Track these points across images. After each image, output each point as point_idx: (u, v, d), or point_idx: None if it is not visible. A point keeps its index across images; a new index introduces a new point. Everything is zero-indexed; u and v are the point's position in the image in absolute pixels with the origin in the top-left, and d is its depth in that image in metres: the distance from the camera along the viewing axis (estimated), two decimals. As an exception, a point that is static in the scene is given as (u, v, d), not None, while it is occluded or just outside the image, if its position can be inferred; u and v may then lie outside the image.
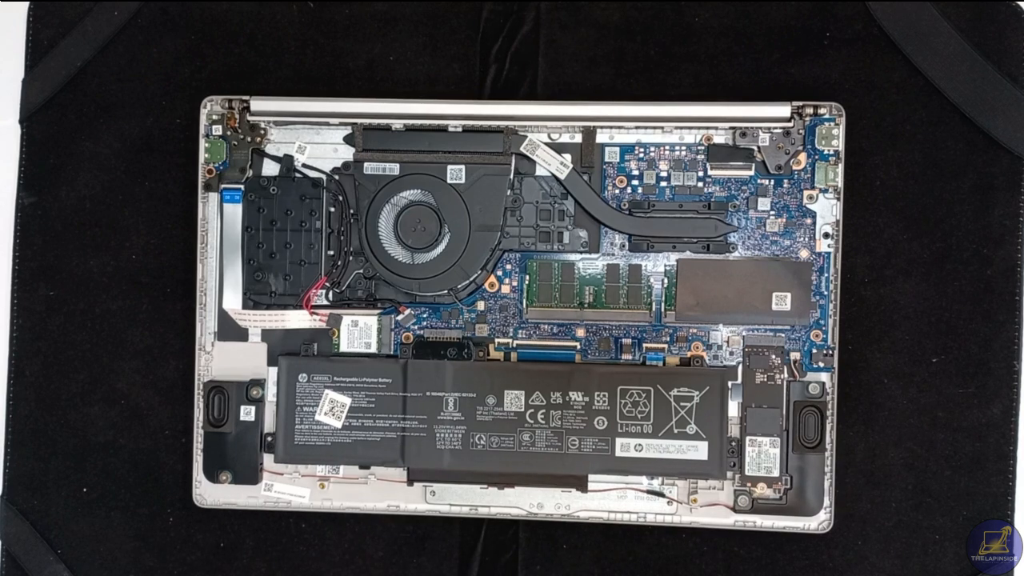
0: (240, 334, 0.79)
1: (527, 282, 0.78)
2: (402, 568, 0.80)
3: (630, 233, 0.76)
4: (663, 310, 0.77)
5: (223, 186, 0.78)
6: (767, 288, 0.75)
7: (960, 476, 0.77)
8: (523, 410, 0.75)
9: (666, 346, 0.77)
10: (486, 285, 0.78)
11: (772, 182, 0.76)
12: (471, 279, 0.77)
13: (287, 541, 0.81)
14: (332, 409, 0.76)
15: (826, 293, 0.76)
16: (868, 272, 0.77)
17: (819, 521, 0.75)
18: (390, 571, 0.80)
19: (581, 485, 0.76)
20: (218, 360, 0.79)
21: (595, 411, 0.75)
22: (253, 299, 0.78)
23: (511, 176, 0.77)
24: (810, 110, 0.75)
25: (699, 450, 0.74)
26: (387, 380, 0.76)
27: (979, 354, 0.77)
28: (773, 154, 0.75)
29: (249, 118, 0.78)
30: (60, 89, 0.82)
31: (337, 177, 0.78)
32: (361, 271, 0.78)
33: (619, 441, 0.75)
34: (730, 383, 0.75)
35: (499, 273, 0.78)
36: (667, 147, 0.77)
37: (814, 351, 0.76)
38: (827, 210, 0.76)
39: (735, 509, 0.76)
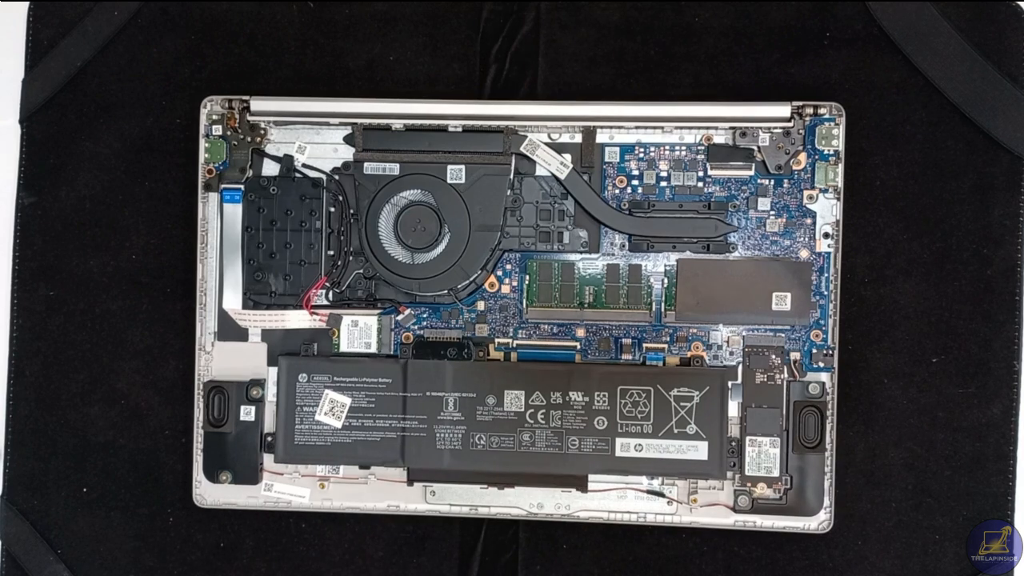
0: (240, 334, 0.79)
1: (527, 282, 0.78)
2: (402, 568, 0.80)
3: (630, 233, 0.76)
4: (663, 310, 0.77)
5: (223, 186, 0.78)
6: (767, 288, 0.75)
7: (960, 476, 0.77)
8: (523, 410, 0.75)
9: (666, 346, 0.77)
10: (486, 285, 0.78)
11: (772, 182, 0.76)
12: (471, 279, 0.77)
13: (287, 541, 0.81)
14: (332, 409, 0.76)
15: (826, 293, 0.76)
16: (868, 272, 0.77)
17: (819, 521, 0.75)
18: (390, 571, 0.80)
19: (581, 485, 0.76)
20: (218, 360, 0.79)
21: (595, 411, 0.75)
22: (253, 299, 0.78)
23: (511, 176, 0.77)
24: (810, 110, 0.75)
25: (699, 450, 0.74)
26: (387, 380, 0.76)
27: (979, 354, 0.77)
28: (773, 154, 0.75)
29: (249, 118, 0.78)
30: (60, 89, 0.82)
31: (337, 177, 0.78)
32: (361, 271, 0.78)
33: (619, 441, 0.75)
34: (730, 383, 0.75)
35: (499, 273, 0.78)
36: (667, 147, 0.77)
37: (814, 351, 0.76)
38: (827, 210, 0.76)
39: (735, 509, 0.76)
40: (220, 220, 0.78)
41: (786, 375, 0.76)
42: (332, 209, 0.78)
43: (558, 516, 0.77)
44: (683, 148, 0.77)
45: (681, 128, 0.76)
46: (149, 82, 0.82)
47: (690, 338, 0.77)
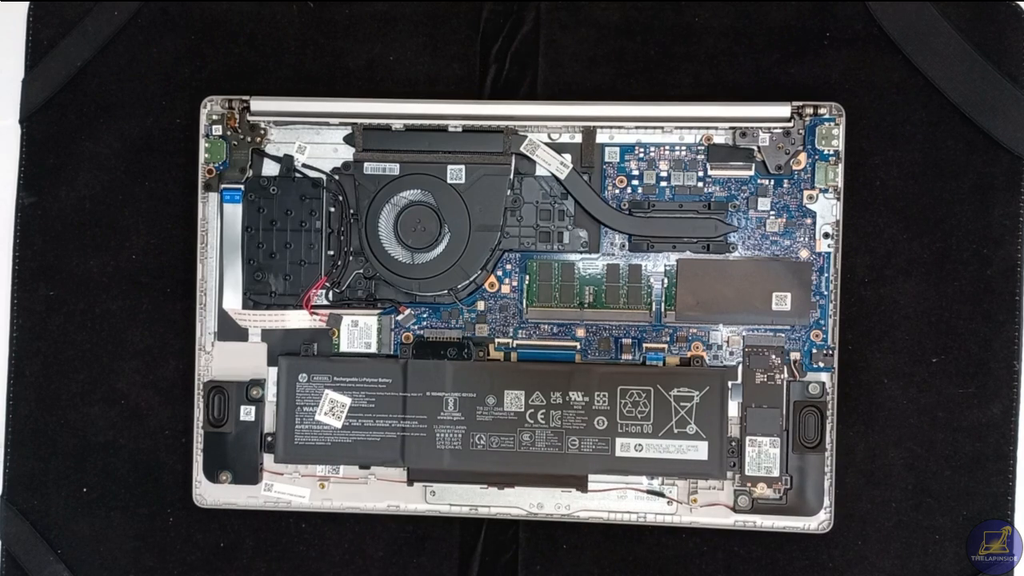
0: (240, 334, 0.79)
1: (527, 282, 0.78)
2: (402, 568, 0.80)
3: (630, 233, 0.76)
4: (663, 310, 0.77)
5: (223, 186, 0.78)
6: (767, 288, 0.75)
7: (960, 476, 0.77)
8: (523, 410, 0.75)
9: (666, 346, 0.77)
10: (486, 285, 0.78)
11: (772, 182, 0.76)
12: (471, 279, 0.77)
13: (287, 541, 0.81)
14: (332, 409, 0.76)
15: (826, 293, 0.76)
16: (868, 272, 0.77)
17: (819, 521, 0.75)
18: (390, 571, 0.80)
19: (581, 485, 0.76)
20: (218, 360, 0.79)
21: (595, 411, 0.75)
22: (253, 299, 0.78)
23: (511, 176, 0.77)
24: (810, 110, 0.75)
25: (699, 450, 0.74)
26: (387, 380, 0.76)
27: (979, 354, 0.77)
28: (773, 154, 0.75)
29: (249, 118, 0.78)
30: (60, 89, 0.82)
31: (337, 177, 0.78)
32: (361, 271, 0.78)
33: (619, 441, 0.75)
34: (730, 383, 0.75)
35: (499, 273, 0.78)
36: (667, 147, 0.77)
37: (814, 351, 0.76)
38: (827, 210, 0.76)
39: (735, 509, 0.76)
40: (220, 220, 0.78)
41: (786, 375, 0.76)
42: (332, 209, 0.78)
43: (558, 516, 0.77)
44: (683, 148, 0.77)
45: (681, 128, 0.76)
46: (149, 82, 0.82)
47: (690, 338, 0.77)
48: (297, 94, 0.79)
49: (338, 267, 0.78)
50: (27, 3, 0.82)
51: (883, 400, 0.77)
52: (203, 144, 0.78)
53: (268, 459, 0.78)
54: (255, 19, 0.81)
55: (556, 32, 0.80)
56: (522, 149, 0.76)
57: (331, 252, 0.78)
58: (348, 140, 0.78)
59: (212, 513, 0.80)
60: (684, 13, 0.79)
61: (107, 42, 0.82)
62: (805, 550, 0.78)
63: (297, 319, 0.77)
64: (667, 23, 0.79)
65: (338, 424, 0.76)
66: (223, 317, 0.78)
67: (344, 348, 0.78)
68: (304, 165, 0.78)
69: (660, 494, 0.76)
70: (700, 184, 0.76)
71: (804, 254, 0.76)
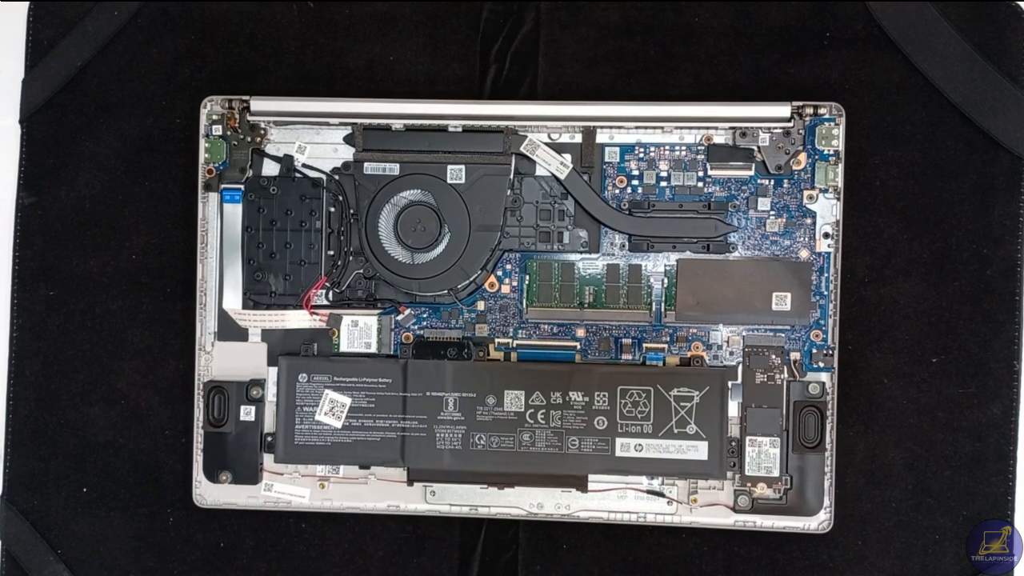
0: (240, 334, 0.79)
1: (527, 282, 0.78)
2: (402, 568, 0.80)
3: (630, 233, 0.76)
4: (663, 310, 0.77)
5: (223, 186, 0.78)
6: (767, 288, 0.75)
7: (960, 476, 0.77)
8: (523, 410, 0.75)
9: (666, 346, 0.77)
10: (486, 285, 0.78)
11: (772, 182, 0.76)
12: (471, 279, 0.77)
13: (287, 541, 0.81)
14: (332, 409, 0.76)
15: (826, 293, 0.76)
16: (868, 272, 0.77)
17: (819, 521, 0.75)
18: (390, 571, 0.80)
19: (581, 485, 0.76)
20: (218, 360, 0.79)
21: (595, 411, 0.75)
22: (253, 299, 0.78)
23: (511, 176, 0.77)
24: (810, 110, 0.75)
25: (699, 450, 0.74)
26: (387, 380, 0.76)
27: (979, 354, 0.77)
28: (773, 154, 0.75)
29: (249, 118, 0.78)
30: (60, 89, 0.82)
31: (337, 177, 0.78)
32: (361, 271, 0.78)
33: (619, 441, 0.75)
34: (730, 383, 0.75)
35: (499, 273, 0.78)
36: (667, 147, 0.77)
37: (814, 351, 0.76)
38: (827, 210, 0.76)
39: (735, 509, 0.76)
40: (220, 220, 0.78)
41: (786, 375, 0.76)
42: (332, 209, 0.78)
43: (558, 516, 0.77)
44: (683, 148, 0.77)
45: (681, 128, 0.76)
46: (149, 82, 0.82)
47: (690, 338, 0.77)
48: (297, 94, 0.79)
49: (338, 267, 0.78)
50: (27, 3, 0.82)
51: (883, 400, 0.77)
52: (203, 144, 0.78)
53: (268, 459, 0.78)
54: (255, 19, 0.81)
55: (556, 32, 0.80)
56: (522, 149, 0.76)
57: (331, 252, 0.78)
58: (348, 140, 0.78)
59: (212, 513, 0.80)
60: (684, 13, 0.79)
61: (107, 42, 0.82)
62: (805, 550, 0.78)
63: (297, 319, 0.77)
64: (667, 23, 0.79)
65: (338, 424, 0.76)
66: (223, 317, 0.78)
67: (344, 348, 0.78)
68: (304, 165, 0.78)
69: (660, 494, 0.76)
70: (700, 184, 0.76)
71: (804, 254, 0.76)
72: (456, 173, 0.77)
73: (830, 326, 0.76)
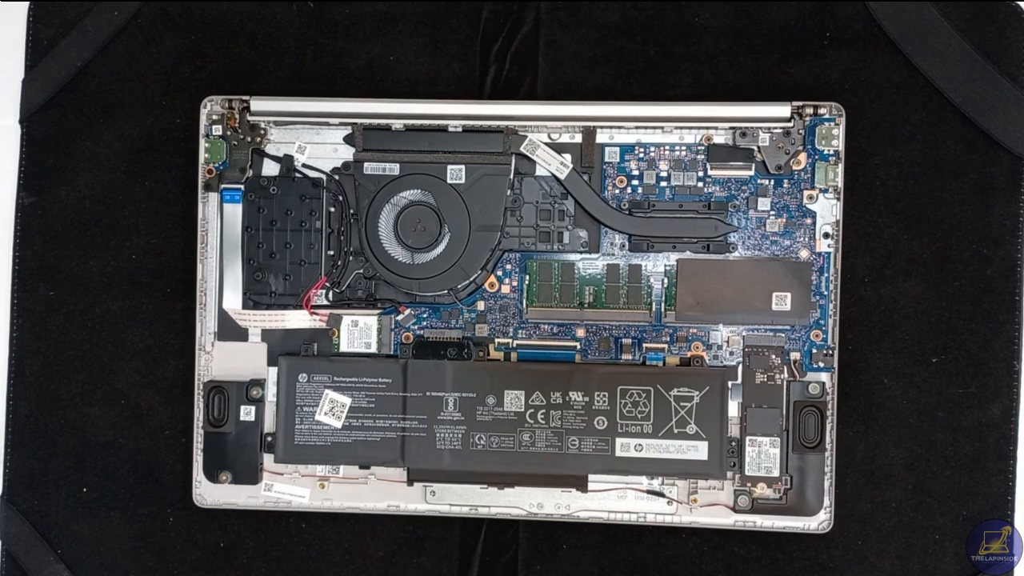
0: (240, 334, 0.79)
1: (527, 282, 0.78)
2: (402, 568, 0.80)
3: (630, 233, 0.76)
4: (663, 310, 0.77)
5: (223, 186, 0.78)
6: (767, 288, 0.75)
7: (960, 476, 0.77)
8: (523, 410, 0.75)
9: (666, 346, 0.77)
10: (486, 285, 0.78)
11: (772, 182, 0.76)
12: (471, 279, 0.77)
13: (287, 541, 0.81)
14: (332, 409, 0.76)
15: (826, 293, 0.76)
16: (868, 272, 0.77)
17: (819, 521, 0.75)
18: (390, 571, 0.80)
19: (581, 485, 0.76)
20: (218, 360, 0.79)
21: (595, 411, 0.75)
22: (253, 299, 0.78)
23: (511, 176, 0.77)
24: (810, 110, 0.75)
25: (699, 450, 0.74)
26: (387, 380, 0.76)
27: (979, 354, 0.77)
28: (773, 154, 0.75)
29: (249, 118, 0.78)
30: (60, 89, 0.82)
31: (337, 177, 0.78)
32: (361, 271, 0.78)
33: (619, 441, 0.75)
34: (730, 383, 0.75)
35: (499, 273, 0.78)
36: (667, 147, 0.77)
37: (814, 351, 0.76)
38: (827, 210, 0.76)
39: (735, 509, 0.76)
40: (220, 220, 0.78)
41: (786, 375, 0.76)
42: (332, 209, 0.78)
43: (558, 516, 0.77)
44: (683, 148, 0.77)
45: (681, 128, 0.76)
46: (149, 82, 0.82)
47: (690, 338, 0.77)
48: (297, 94, 0.79)
49: (338, 267, 0.78)
50: (27, 3, 0.82)
51: (883, 400, 0.77)
52: (203, 144, 0.78)
53: (268, 459, 0.78)
54: (255, 19, 0.81)
55: (556, 32, 0.80)
56: (522, 149, 0.76)
57: (331, 252, 0.78)
58: (348, 140, 0.78)
59: (212, 513, 0.80)
60: (684, 13, 0.79)
61: (107, 42, 0.82)
62: (805, 550, 0.78)
63: (297, 319, 0.77)
64: (667, 23, 0.79)
65: (338, 424, 0.76)
66: (223, 317, 0.78)
67: (344, 348, 0.78)
68: (304, 165, 0.78)
69: (660, 494, 0.76)
70: (700, 184, 0.76)
71: (804, 254, 0.76)
72: (456, 173, 0.77)
73: (830, 326, 0.76)
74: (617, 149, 0.77)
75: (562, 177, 0.76)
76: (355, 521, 0.80)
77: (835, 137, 0.75)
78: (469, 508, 0.77)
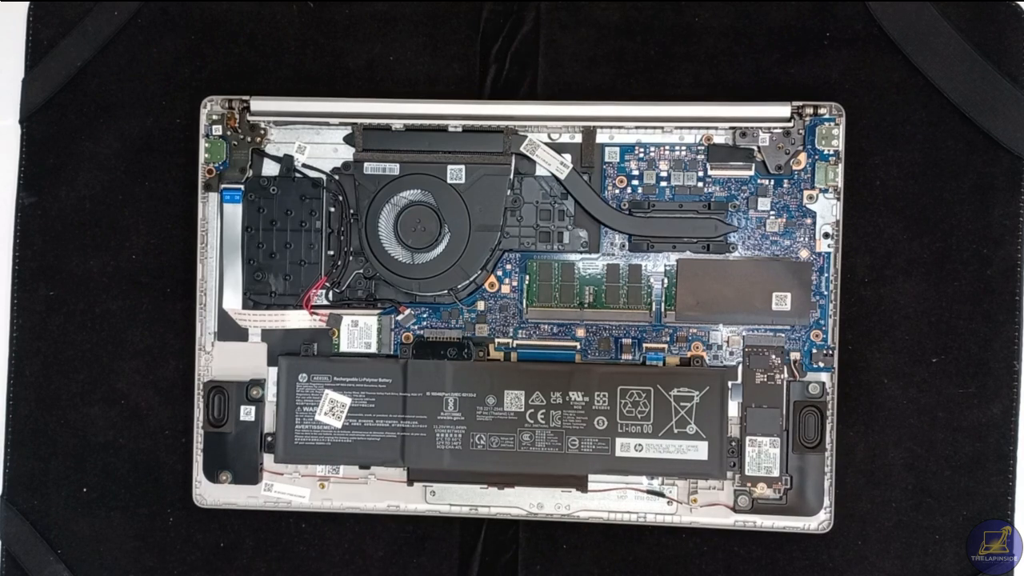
0: (240, 334, 0.79)
1: (527, 282, 0.78)
2: (402, 568, 0.80)
3: (630, 233, 0.76)
4: (663, 310, 0.77)
5: (223, 186, 0.78)
6: (767, 288, 0.75)
7: (960, 476, 0.77)
8: (523, 410, 0.75)
9: (666, 346, 0.77)
10: (486, 285, 0.78)
11: (772, 182, 0.76)
12: (471, 279, 0.77)
13: (287, 541, 0.81)
14: (332, 409, 0.76)
15: (826, 293, 0.76)
16: (868, 272, 0.77)
17: (819, 521, 0.75)
18: (390, 571, 0.80)
19: (581, 485, 0.76)
20: (218, 360, 0.79)
21: (595, 411, 0.75)
22: (253, 299, 0.78)
23: (511, 176, 0.77)
24: (810, 110, 0.75)
25: (699, 450, 0.74)
26: (387, 380, 0.76)
27: (979, 354, 0.77)
28: (773, 154, 0.75)
29: (249, 118, 0.78)
30: (60, 89, 0.82)
31: (337, 177, 0.78)
32: (361, 271, 0.78)
33: (619, 441, 0.75)
34: (730, 383, 0.75)
35: (499, 273, 0.78)
36: (667, 147, 0.77)
37: (814, 351, 0.76)
38: (827, 210, 0.76)
39: (735, 509, 0.76)
40: (220, 220, 0.78)
41: (786, 375, 0.76)
42: (332, 209, 0.78)
43: (558, 516, 0.77)
44: (683, 148, 0.77)
45: (681, 128, 0.76)
46: (149, 82, 0.82)
47: (690, 338, 0.77)
48: (297, 94, 0.79)
49: (338, 267, 0.78)
50: (27, 3, 0.82)
51: (883, 400, 0.77)
52: (203, 144, 0.78)
53: (268, 459, 0.78)
54: (255, 19, 0.81)
55: (556, 32, 0.80)
56: (522, 149, 0.76)
57: (331, 252, 0.78)
58: (348, 140, 0.78)
59: (212, 513, 0.80)
60: (684, 13, 0.79)
61: (107, 42, 0.82)
62: (805, 550, 0.78)
63: (297, 319, 0.77)
64: (667, 23, 0.79)
65: (338, 424, 0.76)
66: (223, 317, 0.78)
67: (344, 348, 0.78)
68: (304, 165, 0.78)
69: (660, 494, 0.76)
70: (700, 184, 0.76)
71: (804, 254, 0.76)
72: (456, 173, 0.77)
73: (830, 326, 0.76)
74: (617, 149, 0.77)
75: (562, 177, 0.76)
76: (355, 521, 0.80)
77: (835, 137, 0.75)
78: (469, 508, 0.77)
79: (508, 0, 0.80)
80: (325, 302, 0.78)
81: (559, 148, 0.77)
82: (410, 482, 0.77)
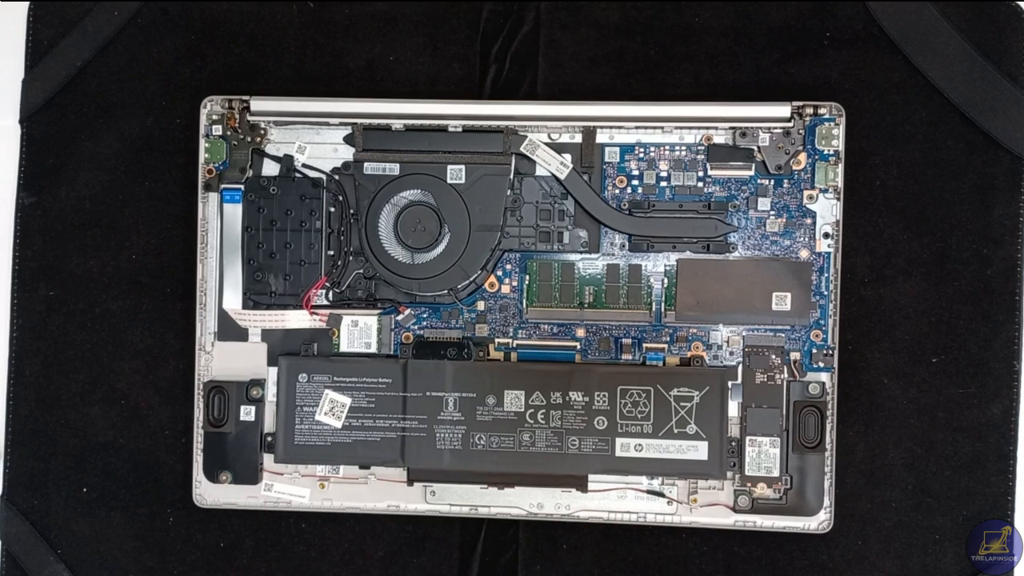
0: (240, 334, 0.79)
1: (527, 282, 0.78)
2: (402, 568, 0.80)
3: (630, 233, 0.76)
4: (663, 310, 0.77)
5: (223, 186, 0.78)
6: (767, 288, 0.75)
7: (960, 476, 0.77)
8: (523, 410, 0.75)
9: (666, 346, 0.77)
10: (486, 285, 0.78)
11: (772, 182, 0.76)
12: (471, 279, 0.77)
13: (287, 541, 0.81)
14: (332, 409, 0.76)
15: (826, 293, 0.76)
16: (868, 272, 0.77)
17: (819, 521, 0.75)
18: (390, 571, 0.80)
19: (581, 485, 0.76)
20: (218, 360, 0.79)
21: (595, 411, 0.75)
22: (253, 299, 0.78)
23: (511, 176, 0.77)
24: (810, 110, 0.75)
25: (699, 450, 0.74)
26: (387, 380, 0.76)
27: (979, 354, 0.77)
28: (773, 154, 0.75)
29: (249, 118, 0.78)
30: (60, 89, 0.82)
31: (337, 177, 0.78)
32: (361, 271, 0.78)
33: (619, 441, 0.75)
34: (730, 383, 0.75)
35: (499, 273, 0.78)
36: (667, 147, 0.77)
37: (814, 351, 0.76)
38: (827, 210, 0.76)
39: (735, 509, 0.76)
40: (220, 220, 0.78)
41: (786, 375, 0.76)
42: (332, 209, 0.78)
43: (558, 516, 0.77)
44: (683, 148, 0.77)
45: (681, 128, 0.76)
46: (149, 82, 0.82)
47: (690, 338, 0.77)
48: (297, 94, 0.79)
49: (338, 267, 0.78)
50: (27, 3, 0.82)
51: (883, 400, 0.77)
52: (203, 144, 0.78)
53: (268, 459, 0.78)
54: (255, 19, 0.81)
55: (556, 32, 0.80)
56: (522, 149, 0.76)
57: (331, 252, 0.78)
58: (348, 140, 0.78)
59: (212, 513, 0.80)
60: (684, 13, 0.79)
61: (107, 42, 0.82)
62: (805, 550, 0.78)
63: (297, 319, 0.77)
64: (667, 23, 0.79)
65: (338, 424, 0.76)
66: (223, 317, 0.78)
67: (344, 348, 0.78)
68: (304, 165, 0.78)
69: (660, 494, 0.76)
70: (700, 184, 0.76)
71: (804, 254, 0.76)
72: (456, 173, 0.77)
73: (830, 326, 0.76)
74: (617, 149, 0.77)
75: (562, 177, 0.76)
76: (355, 521, 0.80)
77: (835, 137, 0.75)
78: (469, 508, 0.77)
79: (508, 0, 0.80)
80: (325, 302, 0.78)
81: (559, 148, 0.77)
82: (410, 482, 0.77)
